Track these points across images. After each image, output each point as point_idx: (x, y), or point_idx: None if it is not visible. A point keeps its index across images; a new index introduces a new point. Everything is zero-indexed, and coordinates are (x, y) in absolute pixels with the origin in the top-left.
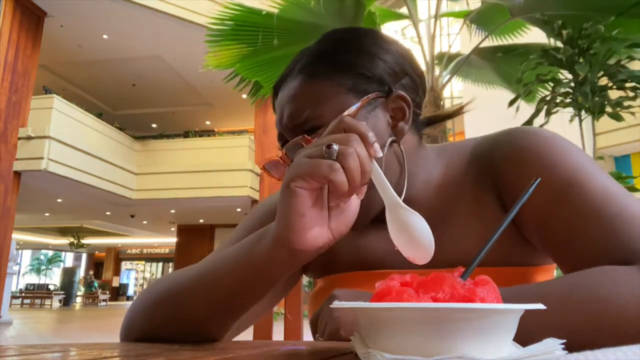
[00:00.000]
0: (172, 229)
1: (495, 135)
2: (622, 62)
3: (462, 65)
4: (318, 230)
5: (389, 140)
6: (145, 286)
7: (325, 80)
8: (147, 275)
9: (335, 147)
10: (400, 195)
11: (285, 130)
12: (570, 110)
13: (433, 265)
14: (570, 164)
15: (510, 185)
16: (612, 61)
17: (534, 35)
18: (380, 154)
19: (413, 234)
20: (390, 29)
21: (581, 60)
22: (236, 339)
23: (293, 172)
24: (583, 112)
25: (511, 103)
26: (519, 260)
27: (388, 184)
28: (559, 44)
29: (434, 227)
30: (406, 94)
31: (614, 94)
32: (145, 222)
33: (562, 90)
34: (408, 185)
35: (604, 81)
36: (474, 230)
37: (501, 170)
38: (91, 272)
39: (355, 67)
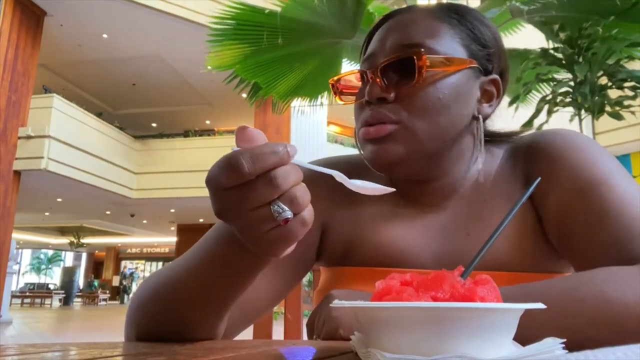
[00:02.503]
0: (172, 228)
1: (530, 136)
2: (622, 62)
3: None
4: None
5: (469, 109)
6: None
7: (446, 24)
8: (147, 274)
9: (289, 213)
10: (465, 174)
11: (382, 52)
12: (570, 110)
13: (462, 263)
14: (597, 166)
15: (541, 186)
16: (611, 61)
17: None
18: (295, 151)
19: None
20: None
21: (581, 60)
22: (236, 338)
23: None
24: (583, 111)
25: (511, 103)
26: (541, 267)
27: (318, 167)
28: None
29: (468, 222)
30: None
31: (613, 94)
32: (145, 221)
33: (562, 89)
34: (461, 170)
35: (603, 80)
36: (506, 230)
37: (532, 170)
38: (92, 276)
39: (474, 29)
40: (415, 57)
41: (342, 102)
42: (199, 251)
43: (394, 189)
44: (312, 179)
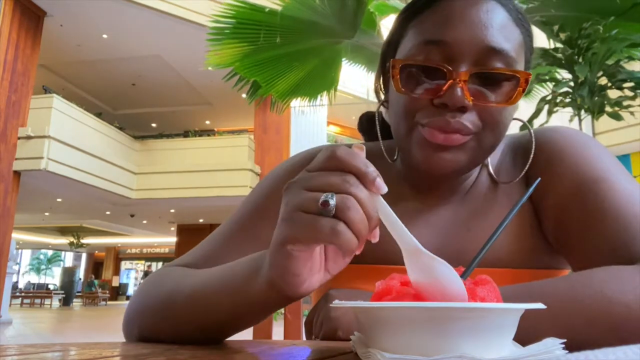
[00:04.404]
0: (172, 228)
1: (530, 132)
2: (622, 62)
3: None
4: (315, 278)
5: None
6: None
7: (519, 32)
8: (148, 275)
9: (332, 201)
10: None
11: (467, 49)
12: (570, 110)
13: (465, 261)
14: (596, 164)
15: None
16: (611, 61)
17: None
18: (384, 190)
19: (439, 285)
20: (389, 24)
21: (580, 60)
22: (236, 338)
23: (288, 232)
24: (583, 111)
25: None
26: (541, 263)
27: (402, 224)
28: (559, 45)
29: (468, 217)
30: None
31: (613, 94)
32: (145, 221)
33: (562, 90)
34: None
35: (603, 81)
36: (507, 227)
37: (531, 167)
38: (92, 276)
39: (531, 36)
40: (520, 78)
41: (402, 92)
42: (221, 277)
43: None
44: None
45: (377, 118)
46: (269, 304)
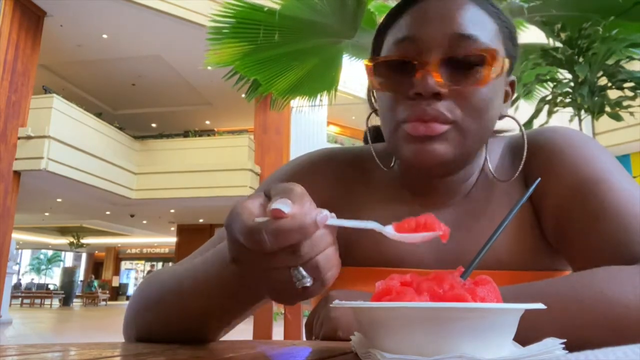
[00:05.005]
0: (172, 228)
1: (529, 132)
2: (622, 63)
3: None
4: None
5: (500, 108)
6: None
7: (488, 16)
8: (147, 275)
9: (309, 279)
10: (474, 170)
11: (433, 39)
12: (570, 110)
13: (466, 262)
14: (596, 164)
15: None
16: (611, 61)
17: (534, 35)
18: (324, 220)
19: (416, 236)
20: None
21: (581, 60)
22: (236, 338)
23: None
24: (583, 112)
25: (511, 103)
26: (542, 265)
27: (355, 221)
28: (559, 45)
29: (469, 219)
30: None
31: (613, 94)
32: (145, 221)
33: (562, 90)
34: (473, 166)
35: (603, 81)
36: (506, 228)
37: (531, 167)
38: (92, 276)
39: (509, 25)
40: (487, 58)
41: (378, 88)
42: (206, 266)
43: (440, 233)
44: (313, 173)
45: (366, 124)
46: (245, 297)
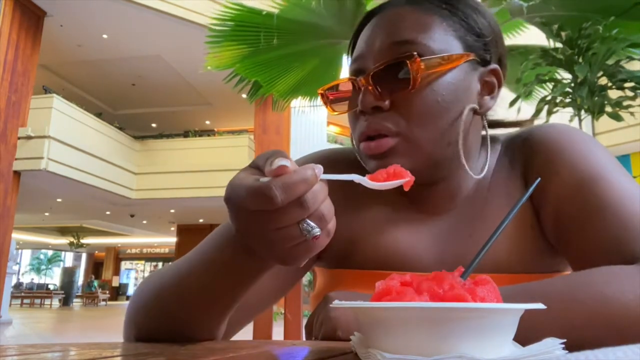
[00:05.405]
0: (172, 228)
1: (526, 130)
2: (622, 63)
3: None
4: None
5: (470, 106)
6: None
7: (437, 17)
8: (147, 275)
9: (317, 229)
10: (481, 172)
11: (371, 54)
12: (570, 110)
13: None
14: (595, 161)
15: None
16: (611, 61)
17: (534, 36)
18: (320, 172)
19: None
20: None
21: (580, 60)
22: (236, 338)
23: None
24: (583, 112)
25: (512, 103)
26: (543, 267)
27: (340, 176)
28: (559, 45)
29: (470, 223)
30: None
31: (613, 94)
32: (145, 221)
33: (562, 90)
34: (470, 168)
35: (603, 81)
36: (505, 229)
37: (529, 165)
38: (92, 276)
39: (467, 18)
40: (408, 62)
41: (336, 113)
42: (202, 254)
43: (407, 179)
44: None
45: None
46: (246, 270)
